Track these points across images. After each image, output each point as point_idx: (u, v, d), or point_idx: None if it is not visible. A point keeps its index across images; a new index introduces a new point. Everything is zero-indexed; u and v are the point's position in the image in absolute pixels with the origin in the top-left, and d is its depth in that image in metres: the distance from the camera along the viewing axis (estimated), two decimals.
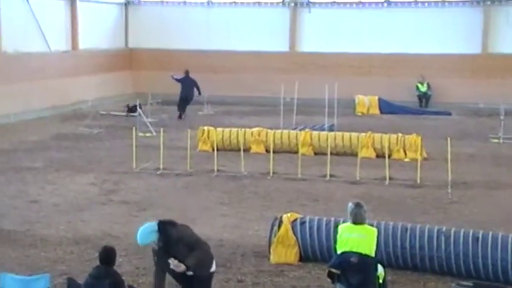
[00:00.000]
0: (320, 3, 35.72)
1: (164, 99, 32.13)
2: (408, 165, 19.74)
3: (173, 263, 8.67)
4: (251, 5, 36.37)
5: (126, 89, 36.27)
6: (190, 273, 8.76)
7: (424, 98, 33.91)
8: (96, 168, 19.51)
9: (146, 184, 17.68)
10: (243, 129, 22.31)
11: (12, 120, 27.54)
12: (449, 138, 17.66)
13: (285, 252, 11.84)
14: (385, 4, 35.06)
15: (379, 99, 32.25)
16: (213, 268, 9.25)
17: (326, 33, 35.20)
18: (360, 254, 8.89)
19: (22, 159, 20.54)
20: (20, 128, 26.46)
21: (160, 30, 36.74)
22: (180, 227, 9.14)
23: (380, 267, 9.18)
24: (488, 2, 33.60)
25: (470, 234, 11.18)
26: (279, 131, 22.47)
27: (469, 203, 16.01)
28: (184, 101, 29.81)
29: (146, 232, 8.89)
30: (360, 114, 31.61)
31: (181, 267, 8.69)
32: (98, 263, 8.95)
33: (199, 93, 30.17)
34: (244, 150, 19.72)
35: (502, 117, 24.86)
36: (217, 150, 19.82)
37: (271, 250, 11.93)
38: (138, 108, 26.48)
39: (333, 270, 9.08)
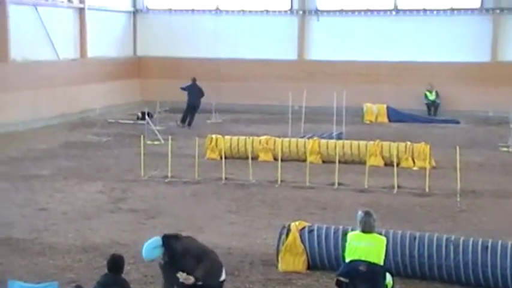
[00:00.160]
0: (328, 12, 35.73)
1: (172, 107, 32.18)
2: (417, 173, 19.69)
3: (182, 276, 8.66)
4: (259, 13, 36.40)
5: (135, 97, 36.33)
6: (200, 283, 8.74)
7: (432, 106, 33.85)
8: (104, 176, 19.53)
9: (154, 192, 17.69)
10: (251, 138, 22.32)
11: (20, 128, 27.62)
12: (458, 147, 17.63)
13: (293, 260, 11.82)
14: (394, 12, 35.02)
15: (388, 108, 32.21)
16: (223, 277, 9.21)
17: (334, 41, 35.22)
18: (368, 263, 8.86)
19: (30, 168, 20.57)
20: (28, 136, 26.52)
21: (169, 39, 36.83)
22: (185, 239, 9.13)
23: (388, 276, 9.14)
24: (498, 11, 33.53)
25: (480, 243, 11.14)
26: (287, 139, 22.45)
27: (478, 212, 15.95)
28: (192, 108, 29.79)
29: (151, 247, 8.90)
30: (368, 122, 31.57)
31: (191, 280, 8.67)
32: (106, 270, 8.94)
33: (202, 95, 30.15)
34: (252, 159, 19.70)
35: (511, 126, 24.79)
36: (225, 158, 19.81)
37: (279, 258, 11.92)
38: (146, 116, 26.52)
39: (341, 278, 9.05)
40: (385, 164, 20.63)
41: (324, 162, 21.15)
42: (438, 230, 13.48)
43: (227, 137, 22.34)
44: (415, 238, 11.43)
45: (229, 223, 14.94)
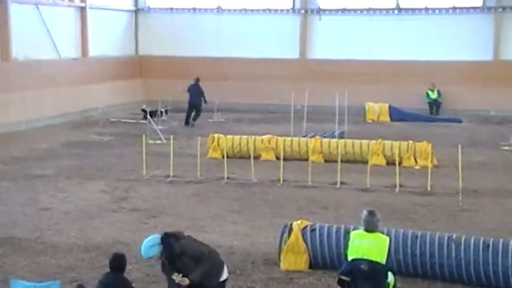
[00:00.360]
0: (330, 11, 35.73)
1: (174, 106, 32.20)
2: (418, 172, 19.71)
3: (177, 278, 8.64)
4: (261, 12, 36.39)
5: (136, 96, 36.32)
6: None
7: (434, 105, 33.84)
8: (106, 175, 19.55)
9: (156, 191, 17.70)
10: (253, 137, 22.29)
11: (23, 127, 27.65)
12: (459, 146, 17.62)
13: (295, 259, 11.83)
14: (396, 11, 35.00)
15: (390, 107, 32.22)
16: (224, 276, 9.12)
17: (336, 41, 35.18)
18: (370, 262, 8.87)
19: (33, 167, 20.59)
20: (31, 135, 26.55)
21: (171, 38, 36.81)
22: (184, 239, 9.01)
23: (390, 275, 9.14)
24: (500, 9, 33.50)
25: (481, 241, 11.15)
26: (289, 138, 22.47)
27: (480, 211, 15.96)
28: (193, 108, 29.76)
29: (148, 245, 8.86)
30: (370, 121, 31.59)
31: (186, 282, 8.65)
32: (108, 269, 8.96)
33: (205, 102, 30.11)
34: (254, 158, 19.71)
35: None
36: (228, 157, 19.81)
37: (281, 257, 11.93)
38: (148, 115, 26.47)
39: (343, 277, 9.05)
40: (387, 163, 20.64)
41: (326, 161, 21.16)
42: (440, 228, 13.50)
43: (229, 136, 22.33)
44: (416, 237, 11.44)
45: (231, 222, 14.95)
